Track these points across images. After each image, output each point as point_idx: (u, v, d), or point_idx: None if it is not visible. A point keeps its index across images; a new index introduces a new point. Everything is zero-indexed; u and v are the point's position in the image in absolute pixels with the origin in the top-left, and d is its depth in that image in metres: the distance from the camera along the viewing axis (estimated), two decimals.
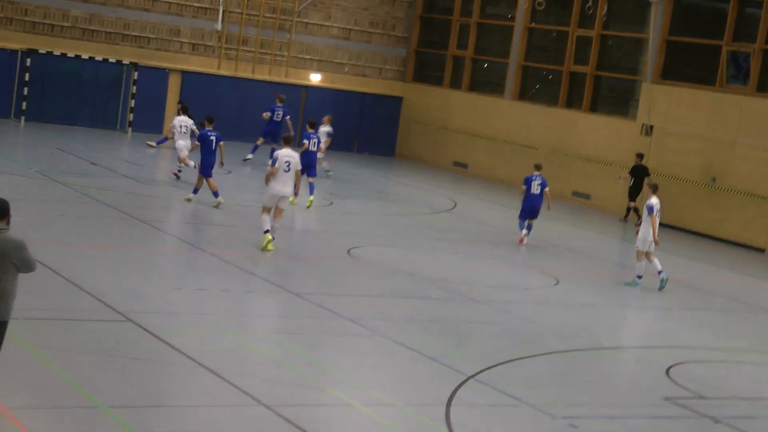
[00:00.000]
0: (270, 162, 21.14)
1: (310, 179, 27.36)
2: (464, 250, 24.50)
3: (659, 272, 22.03)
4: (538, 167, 25.90)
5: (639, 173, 31.75)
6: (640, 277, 22.21)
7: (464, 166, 39.48)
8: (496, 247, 25.36)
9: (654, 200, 22.03)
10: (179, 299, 16.68)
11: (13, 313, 14.16)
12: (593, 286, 22.15)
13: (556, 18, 38.08)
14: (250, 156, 33.16)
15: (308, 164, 26.72)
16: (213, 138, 25.15)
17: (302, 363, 14.32)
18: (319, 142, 28.33)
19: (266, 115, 33.69)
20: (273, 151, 26.55)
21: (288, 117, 33.97)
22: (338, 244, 22.62)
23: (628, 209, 32.21)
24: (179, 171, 28.39)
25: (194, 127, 28.45)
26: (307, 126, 28.73)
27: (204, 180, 24.98)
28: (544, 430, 12.95)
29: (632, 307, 21.14)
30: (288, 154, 20.77)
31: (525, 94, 38.63)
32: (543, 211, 25.77)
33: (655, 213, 21.88)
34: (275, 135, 32.70)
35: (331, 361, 14.60)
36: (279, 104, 33.99)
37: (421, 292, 19.47)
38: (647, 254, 22.05)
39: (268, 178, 20.71)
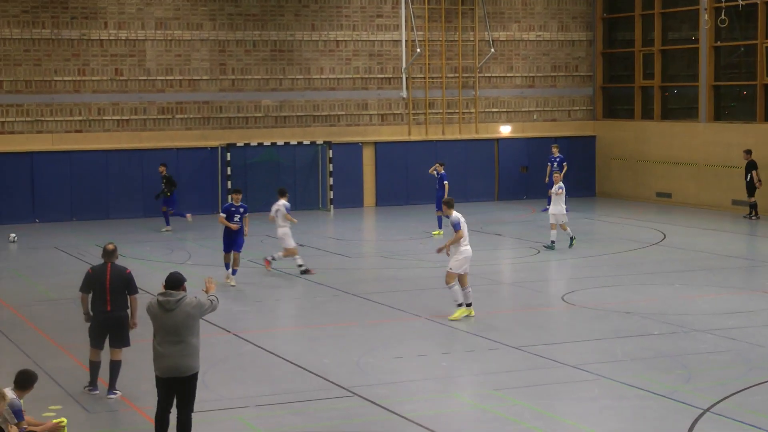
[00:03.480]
0: (455, 226, 19.91)
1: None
2: (679, 280, 24.01)
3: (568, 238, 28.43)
4: None
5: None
6: (553, 242, 28.06)
7: (668, 195, 38.77)
8: (713, 274, 24.76)
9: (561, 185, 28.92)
10: (401, 367, 16.83)
11: (245, 402, 14.69)
12: None
13: (741, 32, 37.22)
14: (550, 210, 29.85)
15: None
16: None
17: (532, 416, 14.25)
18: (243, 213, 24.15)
19: (549, 166, 35.97)
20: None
21: (565, 162, 36.29)
22: (551, 291, 22.51)
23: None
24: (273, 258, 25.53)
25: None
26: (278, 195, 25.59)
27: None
28: None
29: None
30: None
31: (720, 114, 37.75)
32: None
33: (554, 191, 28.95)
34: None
35: (559, 410, 14.48)
36: (557, 154, 36.45)
37: (641, 329, 19.14)
38: (561, 225, 28.32)
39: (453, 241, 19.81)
